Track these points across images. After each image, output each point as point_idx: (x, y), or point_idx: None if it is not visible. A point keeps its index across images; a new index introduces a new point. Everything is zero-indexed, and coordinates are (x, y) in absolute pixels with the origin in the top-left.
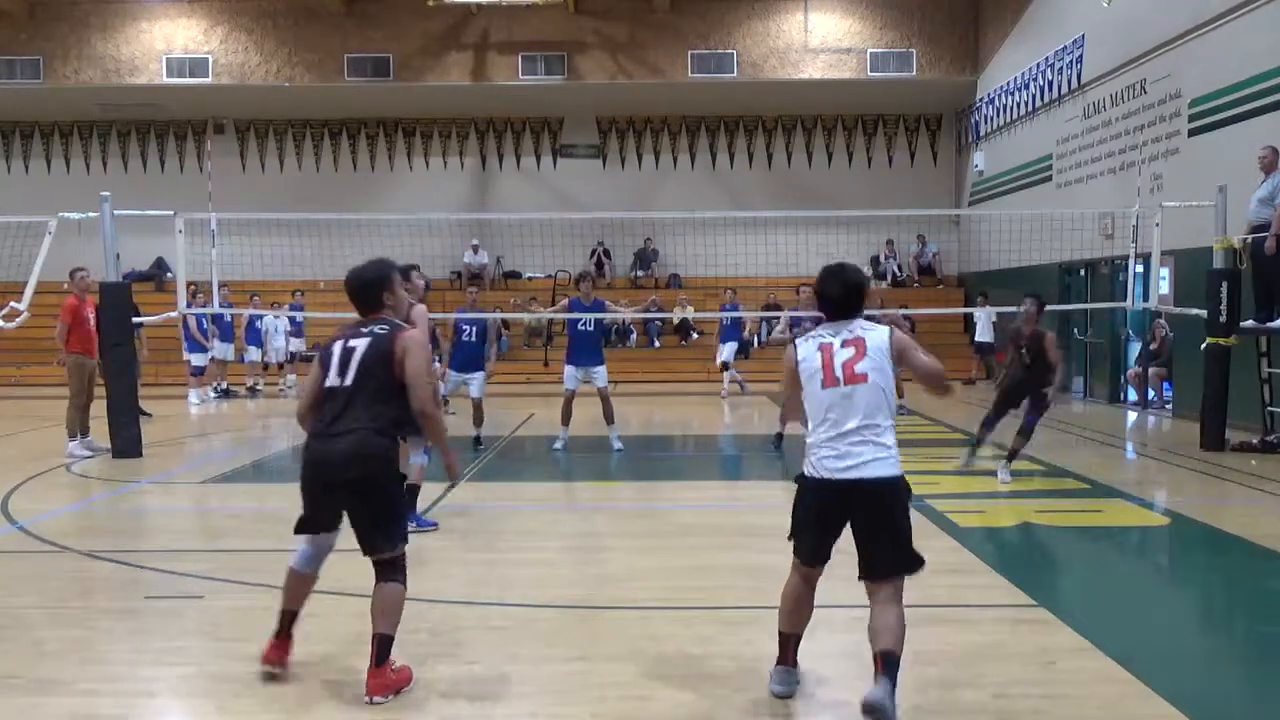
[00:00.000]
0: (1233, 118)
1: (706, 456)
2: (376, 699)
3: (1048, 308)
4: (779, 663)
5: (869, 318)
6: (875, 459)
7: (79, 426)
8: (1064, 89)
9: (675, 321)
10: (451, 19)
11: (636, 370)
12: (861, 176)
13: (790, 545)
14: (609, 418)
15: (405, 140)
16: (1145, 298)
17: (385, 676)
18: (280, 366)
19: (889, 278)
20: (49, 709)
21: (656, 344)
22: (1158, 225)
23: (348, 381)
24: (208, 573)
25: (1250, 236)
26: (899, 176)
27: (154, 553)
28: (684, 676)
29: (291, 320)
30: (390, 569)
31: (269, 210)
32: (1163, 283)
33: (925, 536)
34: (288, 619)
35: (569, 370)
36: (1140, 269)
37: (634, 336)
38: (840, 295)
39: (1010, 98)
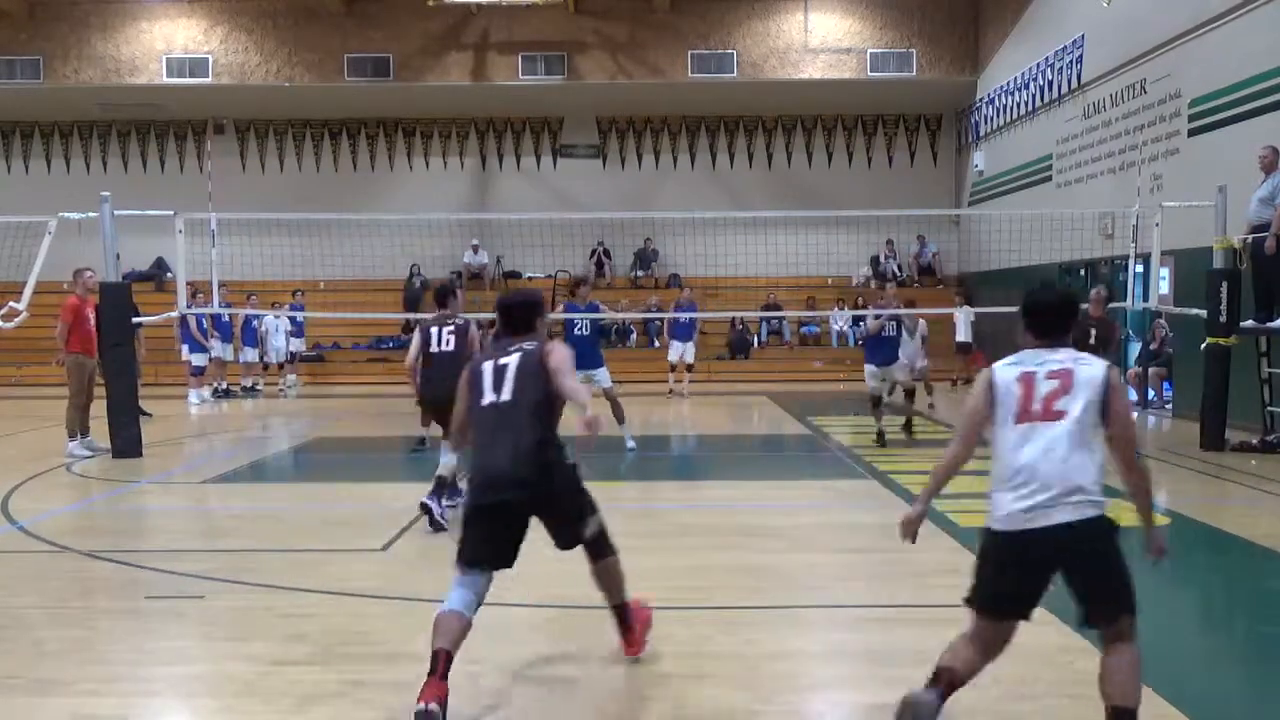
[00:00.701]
0: (1233, 118)
1: (706, 456)
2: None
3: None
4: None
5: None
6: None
7: (79, 426)
8: (1064, 89)
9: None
10: (451, 19)
11: (636, 370)
12: (861, 176)
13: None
14: (619, 418)
15: (405, 140)
16: (1145, 298)
17: (636, 635)
18: (280, 367)
19: (889, 278)
20: (49, 709)
21: (656, 344)
22: (1158, 225)
23: (503, 397)
24: (208, 573)
25: (1250, 236)
26: (899, 176)
27: (154, 553)
28: (684, 676)
29: (292, 320)
30: (598, 547)
31: (269, 210)
32: (1163, 283)
33: (925, 536)
34: (438, 660)
35: None
36: (1140, 269)
37: (634, 336)
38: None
39: (1010, 98)
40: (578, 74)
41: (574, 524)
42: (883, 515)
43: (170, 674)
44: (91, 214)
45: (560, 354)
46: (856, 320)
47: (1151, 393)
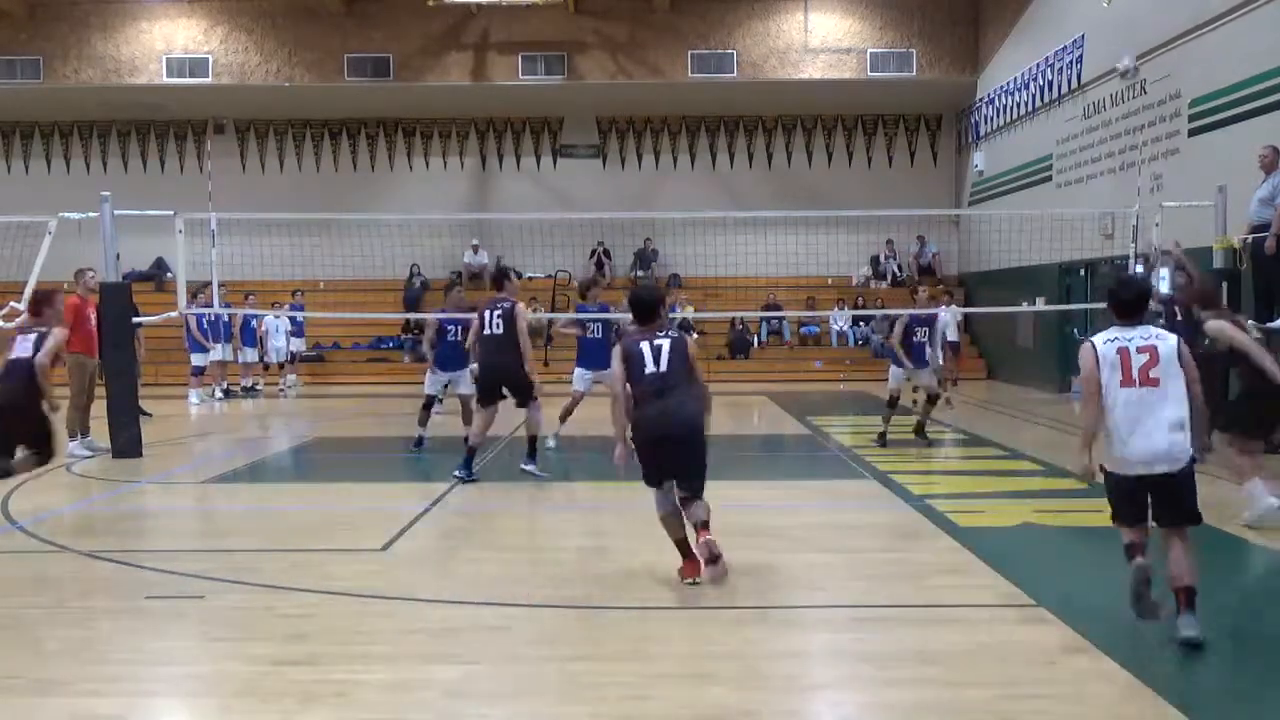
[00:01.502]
0: (1233, 118)
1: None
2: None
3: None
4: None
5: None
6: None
7: (79, 426)
8: (1064, 89)
9: (675, 322)
10: (451, 19)
11: None
12: (861, 176)
13: None
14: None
15: (405, 140)
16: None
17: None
18: (280, 366)
19: (889, 278)
20: (49, 709)
21: None
22: (1158, 225)
23: (663, 368)
24: (208, 573)
25: (1250, 236)
26: (899, 176)
27: (154, 553)
28: (684, 676)
29: (292, 320)
30: (700, 491)
31: (269, 210)
32: (1163, 283)
33: (925, 536)
34: (684, 546)
35: (579, 372)
36: (1140, 269)
37: None
38: (1132, 299)
39: (1010, 98)
40: (578, 74)
41: (700, 471)
42: (883, 515)
43: (170, 674)
44: (91, 214)
45: (691, 343)
46: (856, 320)
47: None
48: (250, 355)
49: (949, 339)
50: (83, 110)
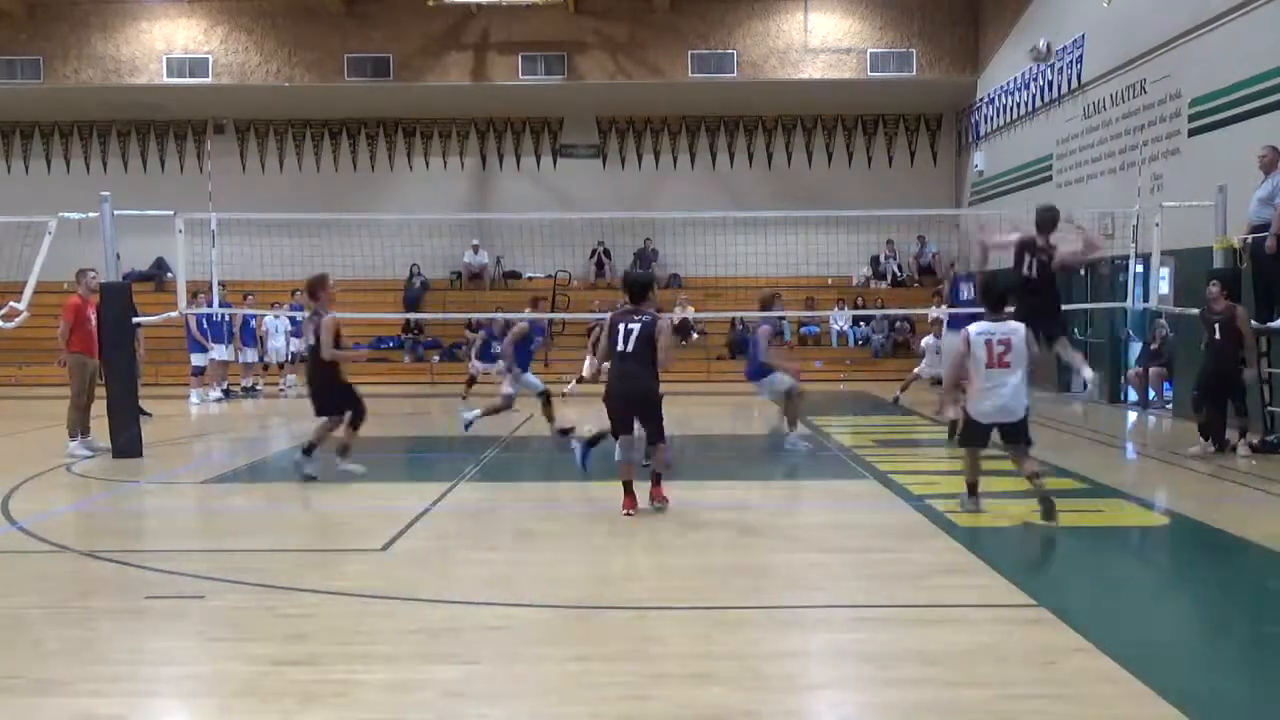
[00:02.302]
0: (1233, 118)
1: (706, 457)
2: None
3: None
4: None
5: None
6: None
7: (79, 426)
8: (1064, 89)
9: (675, 321)
10: (451, 19)
11: None
12: (861, 176)
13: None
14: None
15: (405, 140)
16: (1145, 298)
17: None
18: (280, 367)
19: (889, 278)
20: (49, 709)
21: None
22: (1158, 225)
23: (629, 348)
24: (208, 573)
25: (1250, 236)
26: (899, 176)
27: (154, 553)
28: (684, 676)
29: (292, 320)
30: (657, 437)
31: (269, 210)
32: (1163, 283)
33: (925, 536)
34: (628, 486)
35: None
36: (1140, 269)
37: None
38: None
39: (1010, 98)
40: (578, 74)
41: (656, 430)
42: (883, 515)
43: (170, 674)
44: (91, 214)
45: (665, 325)
46: (856, 320)
47: (1152, 393)
48: (250, 355)
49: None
50: (83, 110)
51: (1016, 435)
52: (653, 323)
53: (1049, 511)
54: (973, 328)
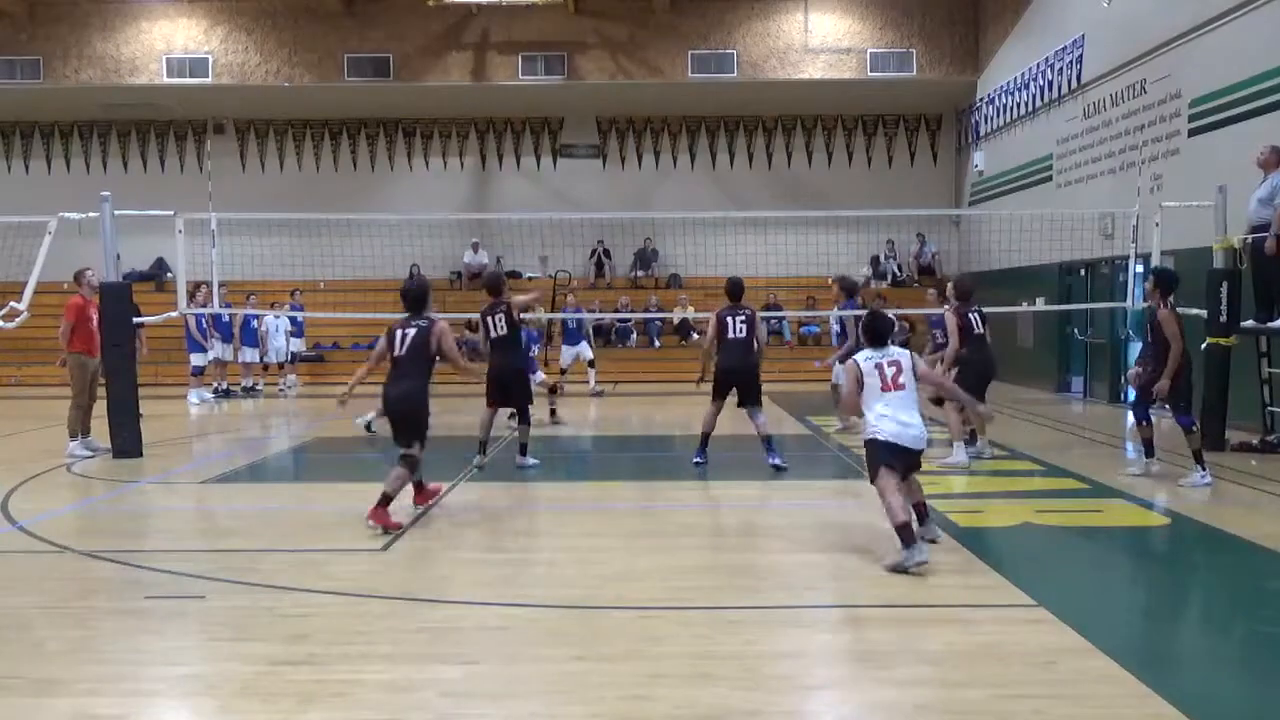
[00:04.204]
0: (1233, 118)
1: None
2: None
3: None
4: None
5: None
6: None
7: (80, 426)
8: (1064, 89)
9: (675, 321)
10: (451, 19)
11: (637, 370)
12: (861, 176)
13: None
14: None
15: (405, 140)
16: (1145, 298)
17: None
18: (280, 366)
19: (889, 278)
20: (49, 709)
21: (657, 344)
22: (1158, 225)
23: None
24: (208, 573)
25: (1250, 236)
26: (899, 176)
27: (154, 553)
28: (684, 676)
29: (292, 320)
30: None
31: (269, 210)
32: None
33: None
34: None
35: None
36: (1140, 269)
37: (634, 337)
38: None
39: (1010, 98)
40: (578, 74)
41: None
42: (883, 515)
43: (170, 674)
44: (91, 214)
45: (446, 331)
46: (857, 321)
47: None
48: (250, 355)
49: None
50: (83, 110)
51: (916, 464)
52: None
53: (927, 539)
54: (859, 356)
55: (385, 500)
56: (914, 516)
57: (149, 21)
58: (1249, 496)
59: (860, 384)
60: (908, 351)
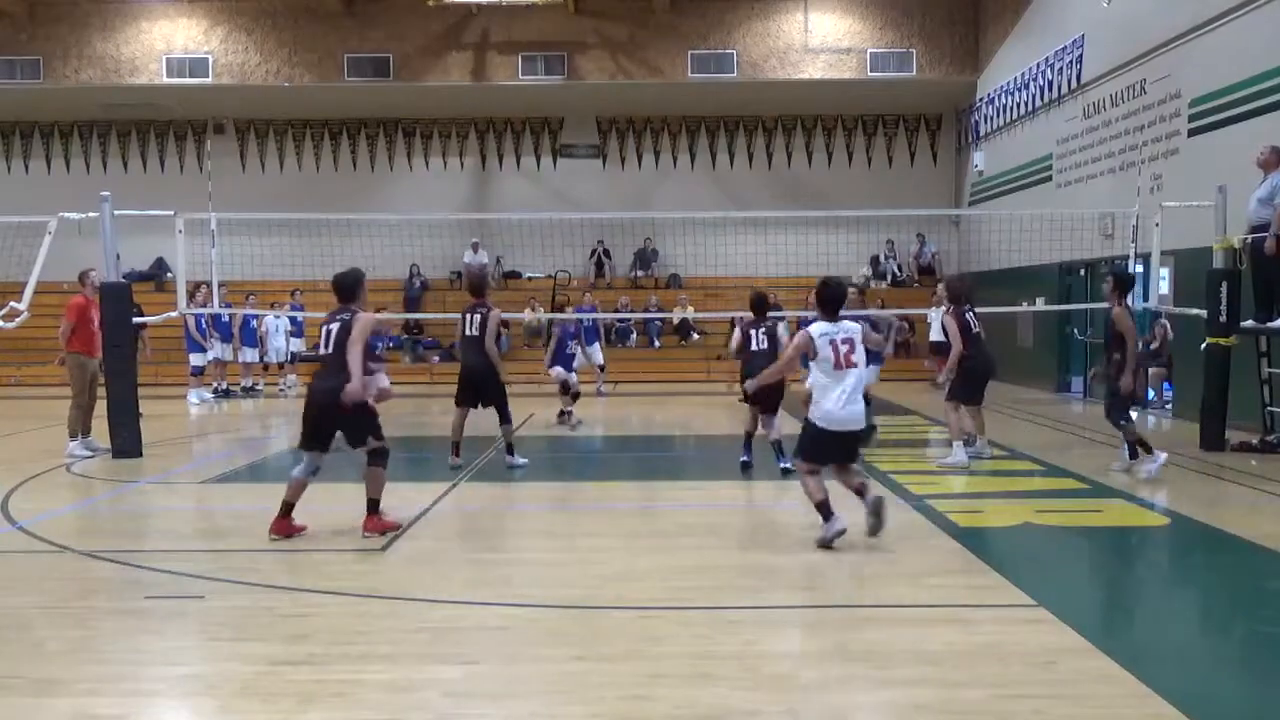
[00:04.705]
0: (1233, 118)
1: (707, 456)
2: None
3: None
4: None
5: (864, 319)
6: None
7: (80, 427)
8: (1064, 89)
9: (675, 321)
10: (451, 19)
11: (636, 370)
12: (861, 176)
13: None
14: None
15: (405, 140)
16: (1145, 298)
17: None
18: (280, 366)
19: (889, 278)
20: (49, 709)
21: (657, 344)
22: (1158, 225)
23: (328, 349)
24: (208, 573)
25: (1250, 236)
26: (899, 176)
27: (154, 553)
28: (684, 676)
29: (291, 320)
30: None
31: (268, 210)
32: (1163, 283)
33: (925, 536)
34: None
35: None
36: (1140, 269)
37: (634, 337)
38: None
39: (1010, 98)
40: (578, 74)
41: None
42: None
43: (170, 674)
44: (91, 214)
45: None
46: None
47: (1151, 393)
48: (250, 355)
49: (933, 339)
50: (83, 110)
51: (856, 448)
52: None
53: (878, 525)
54: (814, 328)
55: (373, 506)
56: (860, 495)
57: (149, 21)
58: (1249, 496)
59: (808, 357)
60: (859, 325)
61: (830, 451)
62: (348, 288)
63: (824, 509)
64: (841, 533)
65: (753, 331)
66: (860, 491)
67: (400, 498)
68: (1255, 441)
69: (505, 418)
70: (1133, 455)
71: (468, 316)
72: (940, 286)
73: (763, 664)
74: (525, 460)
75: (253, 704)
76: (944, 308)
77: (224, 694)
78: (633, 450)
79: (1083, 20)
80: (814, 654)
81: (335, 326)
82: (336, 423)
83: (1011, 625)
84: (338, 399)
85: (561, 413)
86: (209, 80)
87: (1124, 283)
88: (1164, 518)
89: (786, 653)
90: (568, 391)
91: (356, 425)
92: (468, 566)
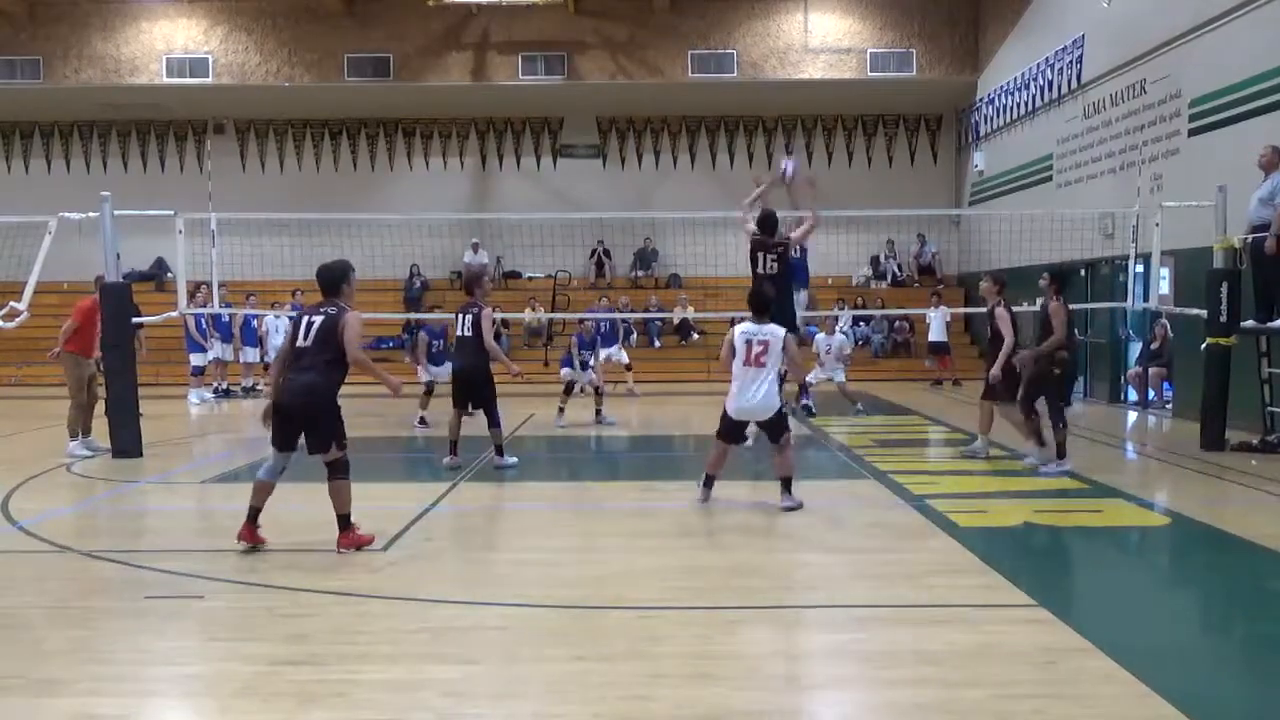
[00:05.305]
0: (1233, 118)
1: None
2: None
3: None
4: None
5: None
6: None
7: (80, 426)
8: (1064, 89)
9: (675, 321)
10: (451, 19)
11: (637, 370)
12: (861, 176)
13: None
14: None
15: (405, 140)
16: (1145, 298)
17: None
18: None
19: (889, 278)
20: (49, 709)
21: (657, 344)
22: (1158, 225)
23: (307, 342)
24: (208, 573)
25: (1250, 236)
26: (899, 176)
27: (154, 553)
28: (684, 676)
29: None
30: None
31: (269, 210)
32: (1163, 283)
33: (925, 536)
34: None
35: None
36: (1140, 269)
37: (634, 337)
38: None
39: (1010, 98)
40: (578, 74)
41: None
42: (883, 515)
43: (170, 674)
44: (91, 214)
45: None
46: (856, 320)
47: (1151, 393)
48: (250, 355)
49: (932, 339)
50: (83, 110)
51: (773, 432)
52: (777, 334)
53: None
54: (738, 327)
55: (344, 522)
56: (780, 483)
57: (149, 21)
58: (1249, 496)
59: (732, 351)
60: (782, 331)
61: (737, 434)
62: (332, 281)
63: (707, 479)
64: (704, 500)
65: (459, 316)
66: (784, 482)
67: (401, 497)
68: (1255, 441)
69: (494, 421)
70: (1041, 442)
71: (461, 317)
72: (984, 282)
73: (763, 664)
74: (515, 460)
75: (253, 704)
76: (995, 302)
77: (224, 694)
78: (632, 450)
79: (1083, 20)
80: (814, 654)
81: (318, 320)
82: (305, 423)
83: (1011, 625)
84: (313, 397)
85: (560, 410)
86: (209, 80)
87: (1059, 279)
88: (1164, 518)
89: (787, 653)
90: (570, 392)
91: (325, 430)
92: (467, 566)
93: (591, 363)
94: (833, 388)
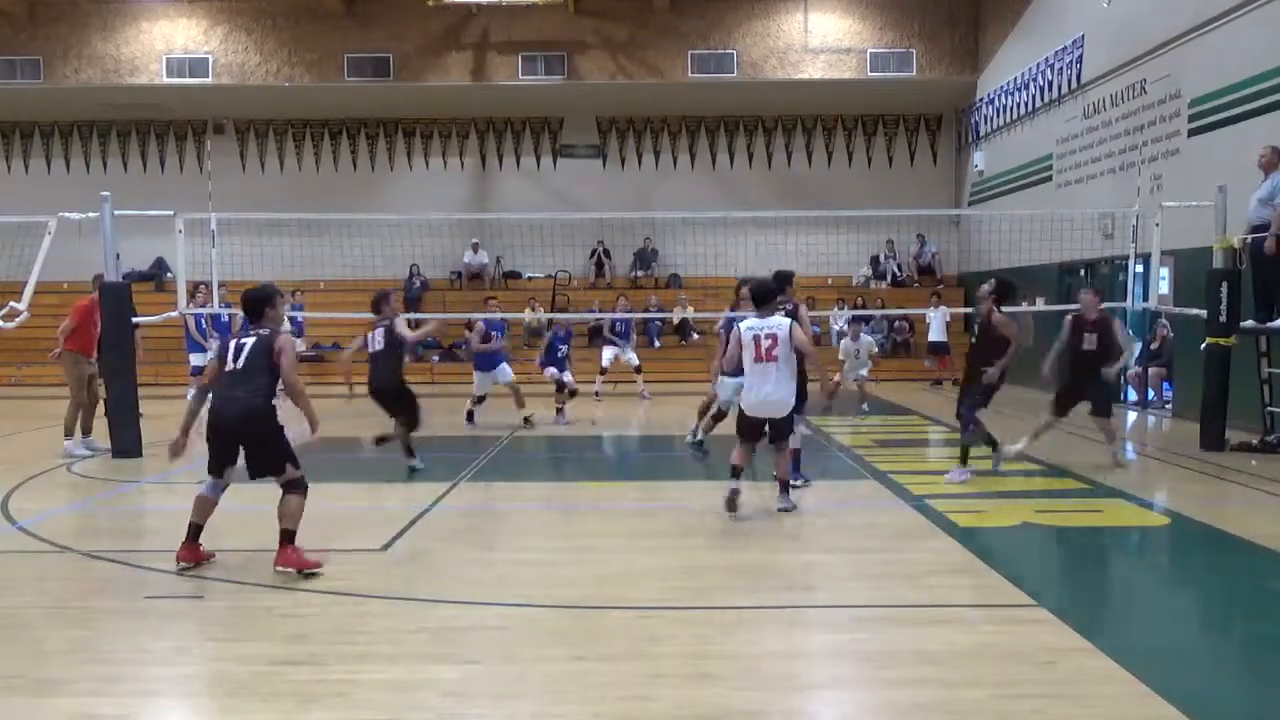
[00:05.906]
0: (1233, 118)
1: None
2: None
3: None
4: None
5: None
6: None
7: (79, 425)
8: (1064, 89)
9: (675, 321)
10: (451, 19)
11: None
12: (861, 176)
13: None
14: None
15: (405, 140)
16: (1145, 298)
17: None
18: None
19: (889, 278)
20: (49, 709)
21: (657, 344)
22: (1158, 225)
23: (237, 365)
24: (207, 573)
25: (1250, 236)
26: (899, 176)
27: (154, 553)
28: (684, 676)
29: (291, 320)
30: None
31: (269, 210)
32: (1163, 283)
33: (925, 536)
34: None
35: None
36: (1140, 269)
37: (634, 337)
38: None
39: (1010, 98)
40: (578, 74)
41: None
42: (883, 515)
43: (170, 674)
44: (91, 214)
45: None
46: (856, 320)
47: (1151, 393)
48: None
49: (932, 339)
50: (83, 110)
51: (780, 433)
52: (786, 324)
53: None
54: (742, 323)
55: (288, 537)
56: (777, 484)
57: (149, 21)
58: (1249, 496)
59: (739, 349)
60: (788, 322)
61: (755, 432)
62: (256, 304)
63: (735, 469)
64: (736, 490)
65: (371, 333)
66: (781, 483)
67: (401, 497)
68: (1255, 441)
69: (408, 424)
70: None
71: (370, 334)
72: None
73: (763, 664)
74: (423, 465)
75: (253, 704)
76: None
77: (224, 694)
78: (632, 450)
79: (1083, 20)
80: (814, 654)
81: (250, 342)
82: (252, 448)
83: (1011, 625)
84: (258, 420)
85: (558, 409)
86: (209, 80)
87: (1006, 290)
88: (1164, 518)
89: (786, 653)
90: (563, 390)
91: (275, 452)
92: (467, 566)
93: (563, 354)
94: (853, 387)
